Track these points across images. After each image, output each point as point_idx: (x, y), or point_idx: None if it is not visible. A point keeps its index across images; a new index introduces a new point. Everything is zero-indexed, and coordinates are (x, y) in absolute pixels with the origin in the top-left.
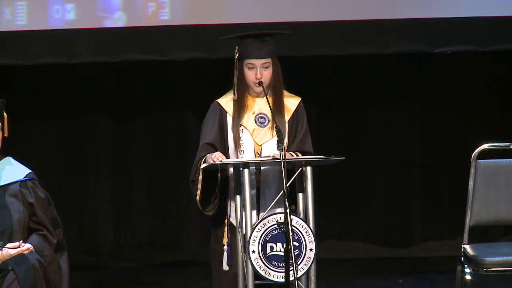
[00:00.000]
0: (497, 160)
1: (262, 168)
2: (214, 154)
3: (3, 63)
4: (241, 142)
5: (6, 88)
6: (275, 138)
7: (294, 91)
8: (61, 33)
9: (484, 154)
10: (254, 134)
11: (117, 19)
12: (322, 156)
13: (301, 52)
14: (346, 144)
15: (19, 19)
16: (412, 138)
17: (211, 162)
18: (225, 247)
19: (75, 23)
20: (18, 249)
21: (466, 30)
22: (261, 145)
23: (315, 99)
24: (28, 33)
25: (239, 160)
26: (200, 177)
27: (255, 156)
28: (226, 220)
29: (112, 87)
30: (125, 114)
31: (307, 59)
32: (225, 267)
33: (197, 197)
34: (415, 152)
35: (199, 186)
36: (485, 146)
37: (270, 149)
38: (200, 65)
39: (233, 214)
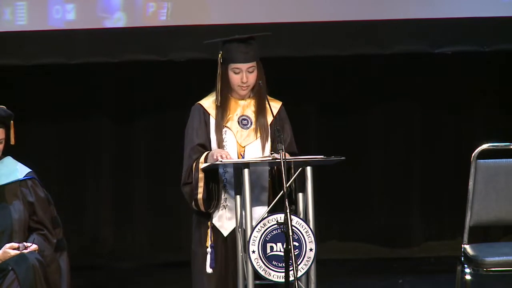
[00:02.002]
0: (497, 160)
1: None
2: (219, 150)
3: (3, 63)
4: (224, 143)
5: (6, 88)
6: (259, 140)
7: (294, 92)
8: (61, 33)
9: (484, 154)
10: (238, 135)
11: (117, 19)
12: (322, 156)
13: (301, 52)
14: (346, 144)
15: (19, 19)
16: (412, 138)
17: (217, 158)
18: (209, 249)
19: (75, 23)
20: (25, 251)
21: (466, 30)
22: (244, 146)
23: (316, 99)
24: (28, 33)
25: (240, 160)
26: (202, 175)
27: (238, 158)
28: (209, 223)
29: (112, 87)
30: (125, 115)
31: (307, 59)
32: (209, 269)
33: (199, 195)
34: (415, 152)
35: (201, 184)
36: (485, 146)
37: (254, 151)
38: (200, 65)
39: (215, 215)
